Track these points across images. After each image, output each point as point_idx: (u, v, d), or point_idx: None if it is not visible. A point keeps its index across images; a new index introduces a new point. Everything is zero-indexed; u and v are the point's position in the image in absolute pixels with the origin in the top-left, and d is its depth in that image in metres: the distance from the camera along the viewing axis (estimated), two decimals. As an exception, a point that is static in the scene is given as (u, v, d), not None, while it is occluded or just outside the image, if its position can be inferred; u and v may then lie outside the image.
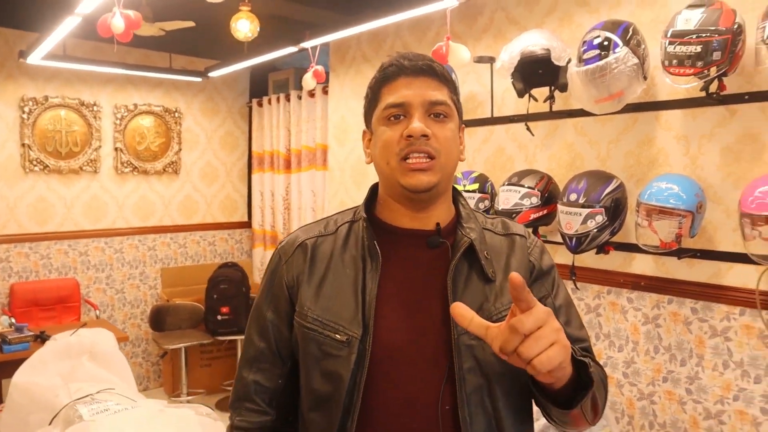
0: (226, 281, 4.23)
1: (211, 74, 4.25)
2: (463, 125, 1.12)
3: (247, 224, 5.22)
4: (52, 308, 4.17)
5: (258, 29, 2.60)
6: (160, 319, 4.24)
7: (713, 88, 1.99)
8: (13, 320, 3.49)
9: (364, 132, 1.13)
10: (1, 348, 3.20)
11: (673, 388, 2.31)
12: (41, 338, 3.21)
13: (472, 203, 2.69)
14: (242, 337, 4.31)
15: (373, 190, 1.14)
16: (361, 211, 1.11)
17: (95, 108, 4.37)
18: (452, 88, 1.07)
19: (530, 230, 1.20)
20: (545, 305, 1.03)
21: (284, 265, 1.11)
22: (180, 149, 4.80)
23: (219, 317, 4.18)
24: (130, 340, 4.63)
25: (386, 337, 1.02)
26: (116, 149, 4.49)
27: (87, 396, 1.79)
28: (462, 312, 0.86)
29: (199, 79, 4.46)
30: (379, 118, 1.05)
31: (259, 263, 5.04)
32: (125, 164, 4.53)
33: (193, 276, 4.81)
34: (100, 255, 4.49)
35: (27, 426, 2.08)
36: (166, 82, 4.68)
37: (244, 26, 2.56)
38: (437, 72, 1.05)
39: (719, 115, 2.14)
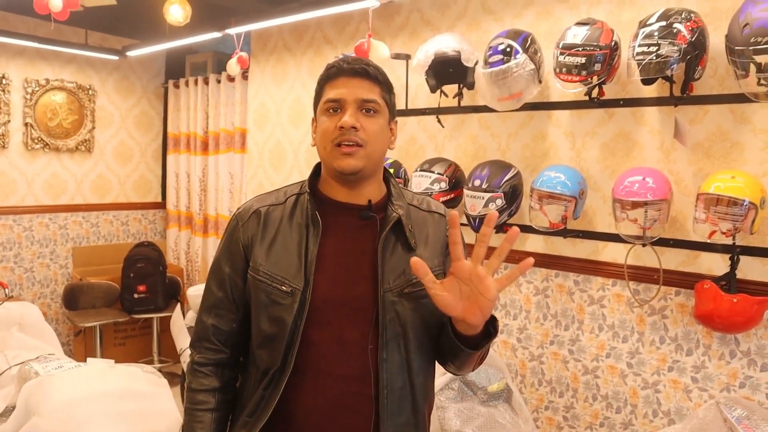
0: (143, 260, 4.28)
1: (130, 53, 4.25)
2: (396, 120, 1.35)
3: (161, 205, 5.23)
4: (-43, 286, 4.04)
5: (190, 15, 2.71)
6: (73, 298, 4.22)
7: (595, 93, 2.35)
8: None
9: (312, 119, 1.33)
10: None
11: (558, 349, 2.69)
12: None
13: (388, 187, 2.95)
14: (159, 315, 4.37)
15: (317, 167, 1.36)
16: (305, 185, 1.33)
17: (4, 81, 4.25)
18: (385, 88, 1.29)
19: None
20: None
21: (241, 227, 1.32)
22: (93, 127, 4.74)
23: (136, 295, 4.23)
24: (39, 319, 4.56)
25: (323, 289, 1.24)
26: (26, 125, 4.39)
27: (37, 357, 1.90)
28: (421, 266, 1.14)
29: (115, 57, 4.42)
30: (321, 109, 1.27)
31: (173, 244, 5.08)
32: (36, 140, 4.44)
33: (106, 255, 4.79)
34: (8, 233, 4.39)
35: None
36: (79, 58, 4.60)
37: (177, 11, 2.67)
38: (370, 74, 1.26)
39: (599, 117, 2.52)
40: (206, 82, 4.68)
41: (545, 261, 2.70)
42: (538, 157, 2.72)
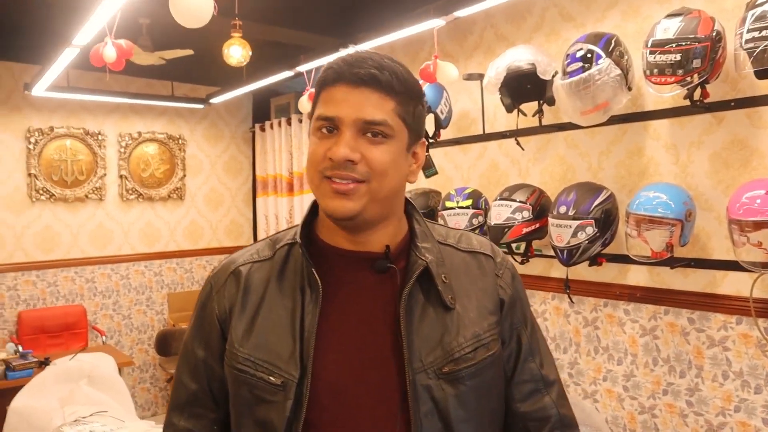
0: (231, 305, 4.24)
1: (212, 101, 4.32)
2: (423, 140, 0.99)
3: (253, 248, 5.24)
4: (59, 335, 4.20)
5: (250, 54, 2.64)
6: (165, 344, 4.25)
7: (697, 95, 1.98)
8: (20, 347, 3.52)
9: (309, 134, 1.00)
10: (5, 375, 3.22)
11: (674, 400, 2.27)
12: (45, 364, 3.24)
13: (465, 219, 2.69)
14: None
15: (315, 204, 1.00)
16: (298, 233, 0.98)
17: (100, 137, 4.45)
18: (403, 99, 0.91)
19: (499, 250, 1.07)
20: (519, 339, 1.01)
21: (215, 295, 0.99)
22: (184, 175, 4.86)
23: (224, 341, 4.19)
24: (138, 365, 4.65)
25: (328, 378, 0.90)
26: (121, 177, 4.56)
27: (77, 419, 1.80)
28: None
29: (201, 106, 4.52)
30: (313, 126, 0.93)
31: (265, 286, 5.05)
32: (130, 191, 4.59)
33: (200, 301, 4.82)
34: (107, 281, 4.53)
35: (23, 450, 2.10)
36: (169, 109, 4.76)
37: (237, 52, 2.61)
38: (381, 83, 0.89)
39: (706, 123, 2.14)
40: (289, 122, 4.67)
41: (651, 296, 2.31)
42: (636, 175, 2.36)
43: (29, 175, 4.20)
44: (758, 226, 1.79)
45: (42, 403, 2.29)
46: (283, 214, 4.76)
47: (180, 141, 4.81)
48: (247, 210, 5.27)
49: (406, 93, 0.92)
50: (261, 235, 5.07)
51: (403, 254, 0.97)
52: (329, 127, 0.90)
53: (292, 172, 4.66)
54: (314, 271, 0.93)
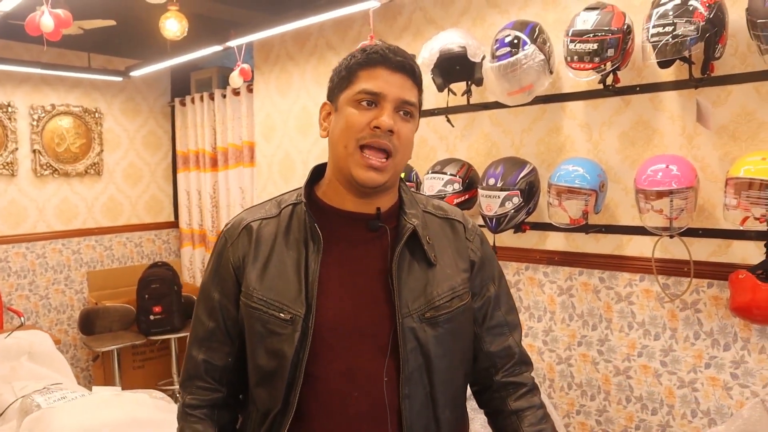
0: (158, 280, 4.21)
1: (133, 74, 4.22)
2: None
3: (174, 224, 5.19)
4: (-27, 318, 4.02)
5: (187, 28, 2.65)
6: (89, 323, 4.17)
7: (609, 80, 2.24)
8: (-67, 331, 3.37)
9: (324, 104, 1.17)
10: (-77, 359, 3.09)
11: (587, 350, 2.57)
12: (-32, 346, 3.13)
13: (400, 192, 2.86)
14: (176, 336, 4.28)
15: (316, 170, 1.20)
16: (302, 193, 1.16)
17: (9, 109, 4.23)
18: (420, 90, 1.14)
19: (469, 217, 1.28)
20: (487, 293, 1.18)
21: (230, 247, 1.16)
22: (102, 150, 4.72)
23: (152, 317, 4.16)
24: (58, 347, 4.52)
25: (328, 314, 1.08)
26: (34, 151, 4.37)
27: (43, 388, 1.83)
28: None
29: (119, 79, 4.40)
30: (350, 98, 1.09)
31: (188, 262, 5.03)
32: (44, 166, 4.41)
33: (121, 278, 4.74)
34: (22, 261, 4.36)
35: (-29, 429, 2.08)
36: (84, 82, 4.58)
37: (173, 26, 2.61)
38: (415, 73, 1.11)
39: (616, 105, 2.41)
40: (212, 97, 4.63)
41: (568, 259, 2.59)
42: (554, 151, 2.61)
43: (-68, 149, 3.96)
44: (660, 195, 2.08)
45: (-18, 381, 2.26)
46: (207, 189, 4.74)
47: (96, 115, 4.66)
48: (167, 186, 5.19)
49: (421, 86, 1.16)
50: (183, 210, 5.02)
51: (393, 217, 1.16)
52: (370, 100, 1.07)
53: (216, 147, 4.64)
54: (316, 226, 1.11)
